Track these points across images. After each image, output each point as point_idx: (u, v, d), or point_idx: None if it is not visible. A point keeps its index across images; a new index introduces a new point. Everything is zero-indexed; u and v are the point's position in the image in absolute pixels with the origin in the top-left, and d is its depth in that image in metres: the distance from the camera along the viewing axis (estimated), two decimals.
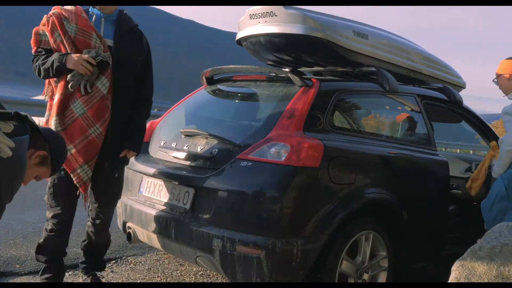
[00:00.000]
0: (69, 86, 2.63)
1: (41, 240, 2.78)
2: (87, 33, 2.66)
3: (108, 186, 2.85)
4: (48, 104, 2.78)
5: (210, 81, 3.58)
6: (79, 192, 2.73)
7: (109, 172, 2.81)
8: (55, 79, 2.71)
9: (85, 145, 2.65)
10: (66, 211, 2.74)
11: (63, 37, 2.65)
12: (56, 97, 2.67)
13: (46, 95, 2.82)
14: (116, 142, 2.78)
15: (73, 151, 2.63)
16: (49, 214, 2.75)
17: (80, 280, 3.00)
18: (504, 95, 3.40)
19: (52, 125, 2.64)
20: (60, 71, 2.62)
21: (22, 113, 1.71)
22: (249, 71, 3.37)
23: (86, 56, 2.59)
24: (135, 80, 2.83)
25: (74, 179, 2.67)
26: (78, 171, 2.66)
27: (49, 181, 2.73)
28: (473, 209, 3.72)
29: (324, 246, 2.56)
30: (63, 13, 2.68)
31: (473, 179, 3.57)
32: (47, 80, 2.78)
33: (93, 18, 2.74)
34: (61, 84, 2.66)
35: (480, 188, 3.57)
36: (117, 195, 2.96)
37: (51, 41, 2.67)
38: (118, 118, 2.74)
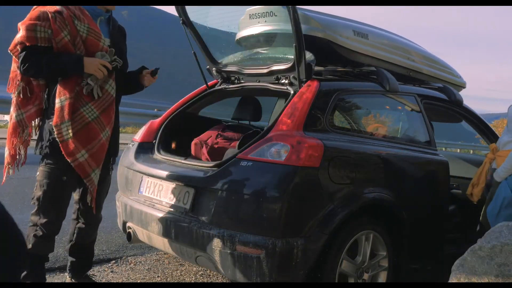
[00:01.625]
0: (83, 90, 2.56)
1: (29, 246, 2.63)
2: (97, 34, 2.58)
3: (104, 184, 2.85)
4: (18, 101, 2.63)
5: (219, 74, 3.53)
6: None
7: (106, 171, 2.81)
8: (32, 78, 2.59)
9: (98, 149, 2.60)
10: (62, 216, 2.69)
11: (74, 37, 2.52)
12: (64, 101, 2.53)
13: (17, 92, 2.62)
14: (113, 141, 2.78)
15: (87, 156, 2.57)
16: (41, 220, 2.62)
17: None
18: None
19: (63, 131, 2.51)
20: (74, 74, 2.53)
21: None
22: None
23: (104, 61, 2.56)
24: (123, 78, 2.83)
25: (88, 184, 2.63)
26: (92, 176, 2.62)
27: (43, 185, 2.60)
28: (473, 209, 3.71)
29: (324, 246, 2.55)
30: (72, 11, 2.53)
31: (473, 185, 3.47)
32: (15, 75, 2.62)
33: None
34: (68, 87, 2.54)
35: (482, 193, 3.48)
36: (107, 191, 2.97)
37: (56, 39, 2.48)
38: (116, 117, 2.74)
